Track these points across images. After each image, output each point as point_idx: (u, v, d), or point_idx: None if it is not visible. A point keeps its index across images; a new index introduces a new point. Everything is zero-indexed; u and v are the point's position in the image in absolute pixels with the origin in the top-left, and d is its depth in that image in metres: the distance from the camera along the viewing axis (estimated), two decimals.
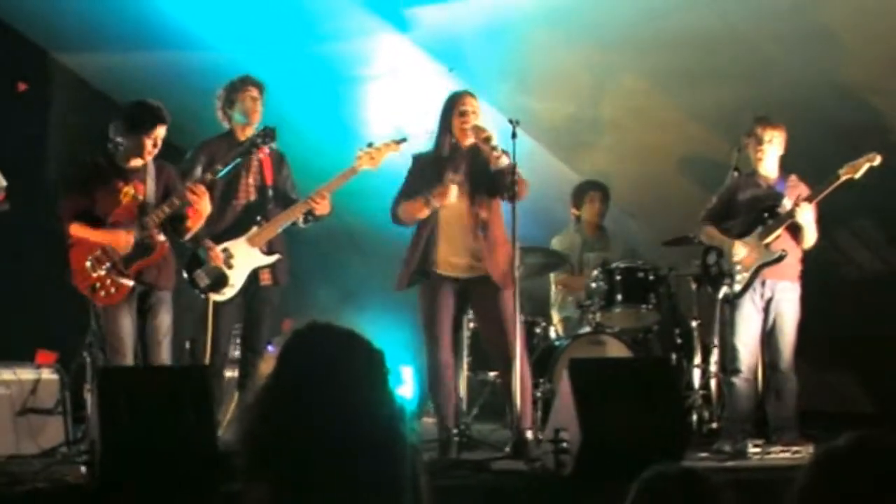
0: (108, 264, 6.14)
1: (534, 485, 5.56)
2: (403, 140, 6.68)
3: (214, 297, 6.52)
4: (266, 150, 6.56)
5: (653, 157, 8.40)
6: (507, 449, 6.16)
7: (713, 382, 7.40)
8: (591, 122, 8.36)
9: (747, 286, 6.64)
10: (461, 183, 6.27)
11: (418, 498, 1.99)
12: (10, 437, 6.37)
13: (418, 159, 6.46)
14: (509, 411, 6.22)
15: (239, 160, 6.47)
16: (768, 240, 6.65)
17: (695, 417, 7.36)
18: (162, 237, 6.27)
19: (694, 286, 7.61)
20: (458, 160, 6.34)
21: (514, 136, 6.15)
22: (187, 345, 7.34)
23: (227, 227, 6.58)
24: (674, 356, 7.74)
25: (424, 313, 6.32)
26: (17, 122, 8.52)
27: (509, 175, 6.08)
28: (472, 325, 7.10)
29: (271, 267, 6.61)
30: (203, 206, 6.21)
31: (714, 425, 7.25)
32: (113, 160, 6.27)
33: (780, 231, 6.64)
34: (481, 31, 7.63)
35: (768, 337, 6.68)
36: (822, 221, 6.69)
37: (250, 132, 6.59)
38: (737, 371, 6.64)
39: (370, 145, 6.63)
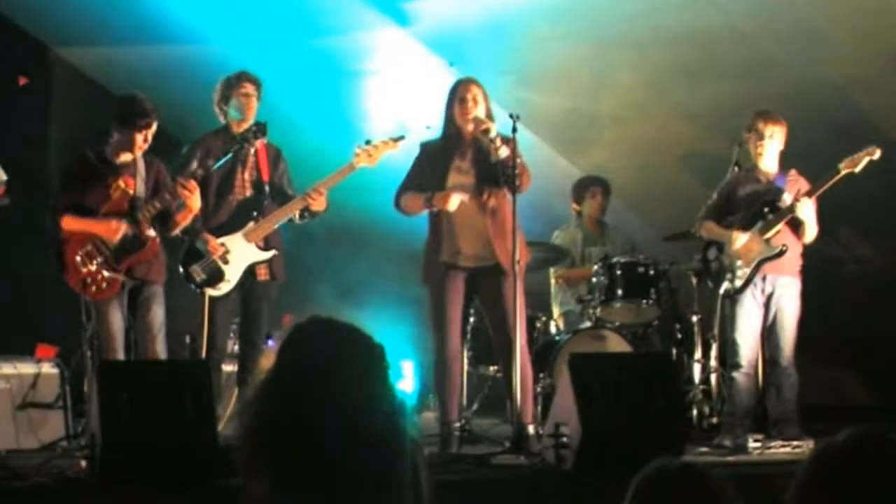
0: (99, 259, 6.15)
1: (534, 479, 5.57)
2: (401, 138, 6.68)
3: (210, 292, 6.52)
4: (261, 145, 6.56)
5: (653, 152, 8.41)
6: (508, 443, 6.17)
7: (713, 377, 7.40)
8: (591, 117, 8.36)
9: (748, 281, 6.63)
10: (467, 189, 6.28)
11: (419, 492, 1.98)
12: (11, 431, 6.37)
13: (426, 147, 6.46)
14: (509, 404, 6.23)
15: (230, 155, 6.46)
16: (769, 235, 6.65)
17: (695, 412, 7.37)
18: (152, 232, 6.28)
19: (694, 281, 7.60)
20: (464, 148, 6.34)
21: (514, 130, 6.16)
22: (188, 339, 7.34)
23: (222, 222, 6.57)
24: (674, 351, 7.76)
25: (434, 306, 6.32)
26: (18, 116, 8.51)
27: (510, 166, 6.09)
28: (472, 319, 7.10)
29: (268, 262, 6.61)
30: (194, 201, 6.22)
31: (714, 420, 7.26)
32: (103, 155, 6.28)
33: (780, 226, 6.64)
34: (482, 25, 7.62)
35: (769, 332, 6.68)
36: (822, 216, 6.69)
37: (245, 128, 6.58)
38: (737, 366, 6.64)
39: (368, 143, 6.63)
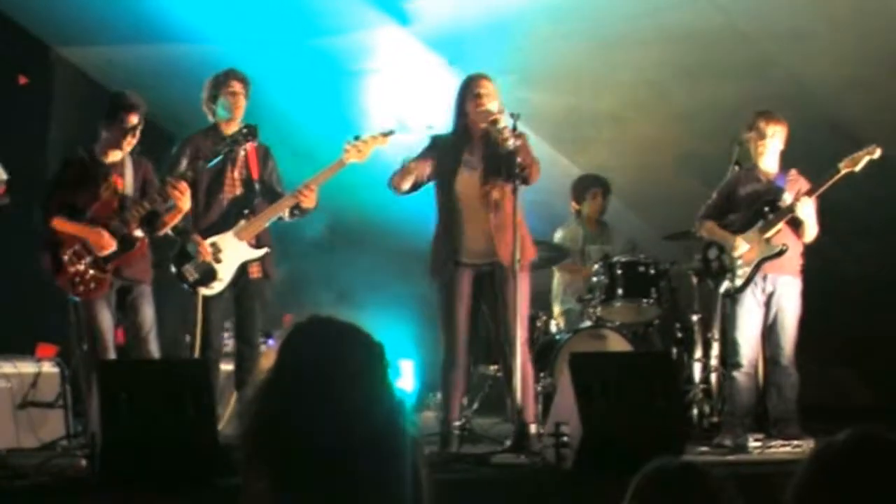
0: (87, 259, 6.15)
1: (535, 478, 5.57)
2: (391, 132, 6.66)
3: (203, 291, 6.50)
4: (251, 147, 6.54)
5: (653, 152, 8.41)
6: (508, 443, 6.17)
7: (714, 377, 7.40)
8: (591, 116, 8.36)
9: (748, 281, 6.64)
10: (474, 183, 6.27)
11: (419, 492, 1.98)
12: (11, 430, 6.37)
13: (436, 141, 6.46)
14: (510, 403, 6.22)
15: (220, 157, 6.44)
16: (769, 234, 6.65)
17: (695, 411, 7.37)
18: (140, 233, 6.27)
19: (695, 280, 7.60)
20: (474, 143, 6.34)
21: (514, 129, 6.16)
22: (187, 339, 7.33)
23: (213, 221, 6.55)
24: (674, 350, 7.75)
25: (442, 304, 6.31)
26: (18, 116, 8.51)
27: (518, 156, 6.09)
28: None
29: (260, 260, 6.59)
30: (184, 202, 6.21)
31: (714, 419, 7.26)
32: (93, 154, 6.28)
33: (780, 225, 6.64)
34: (482, 24, 7.62)
35: (769, 331, 6.68)
36: (822, 216, 6.69)
37: (234, 126, 6.54)
38: (738, 365, 6.64)
39: (357, 138, 6.59)
